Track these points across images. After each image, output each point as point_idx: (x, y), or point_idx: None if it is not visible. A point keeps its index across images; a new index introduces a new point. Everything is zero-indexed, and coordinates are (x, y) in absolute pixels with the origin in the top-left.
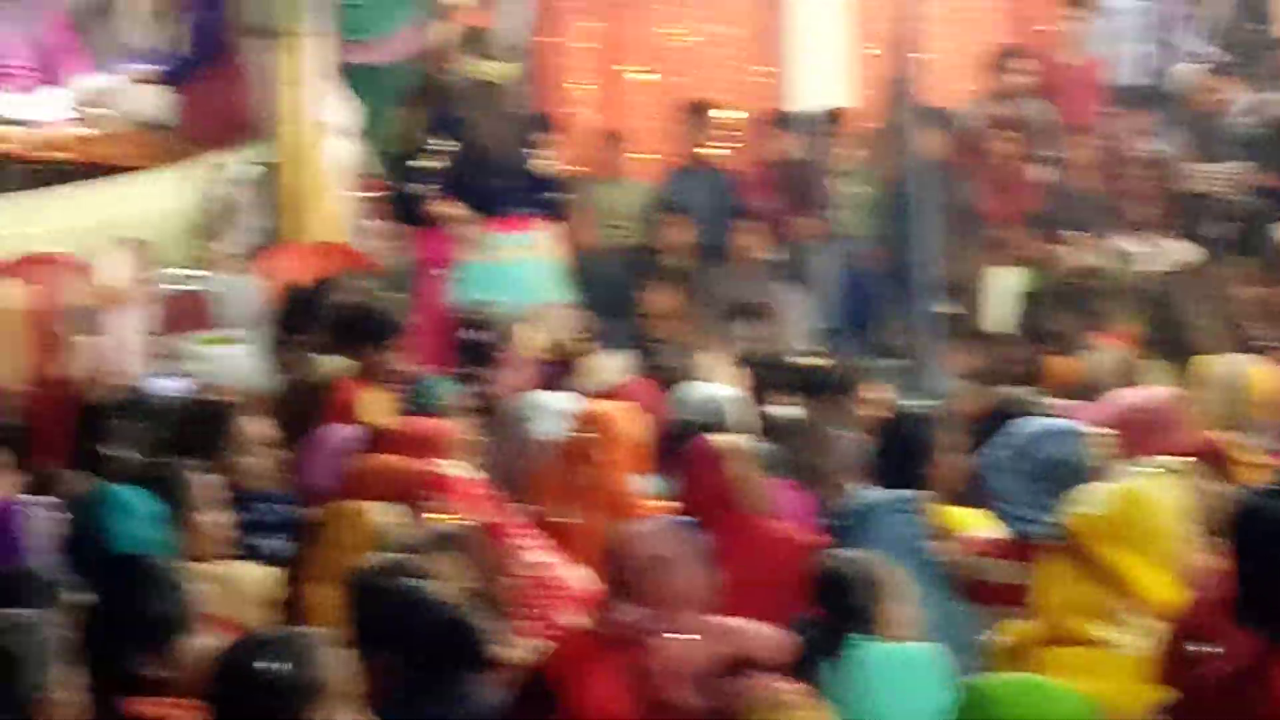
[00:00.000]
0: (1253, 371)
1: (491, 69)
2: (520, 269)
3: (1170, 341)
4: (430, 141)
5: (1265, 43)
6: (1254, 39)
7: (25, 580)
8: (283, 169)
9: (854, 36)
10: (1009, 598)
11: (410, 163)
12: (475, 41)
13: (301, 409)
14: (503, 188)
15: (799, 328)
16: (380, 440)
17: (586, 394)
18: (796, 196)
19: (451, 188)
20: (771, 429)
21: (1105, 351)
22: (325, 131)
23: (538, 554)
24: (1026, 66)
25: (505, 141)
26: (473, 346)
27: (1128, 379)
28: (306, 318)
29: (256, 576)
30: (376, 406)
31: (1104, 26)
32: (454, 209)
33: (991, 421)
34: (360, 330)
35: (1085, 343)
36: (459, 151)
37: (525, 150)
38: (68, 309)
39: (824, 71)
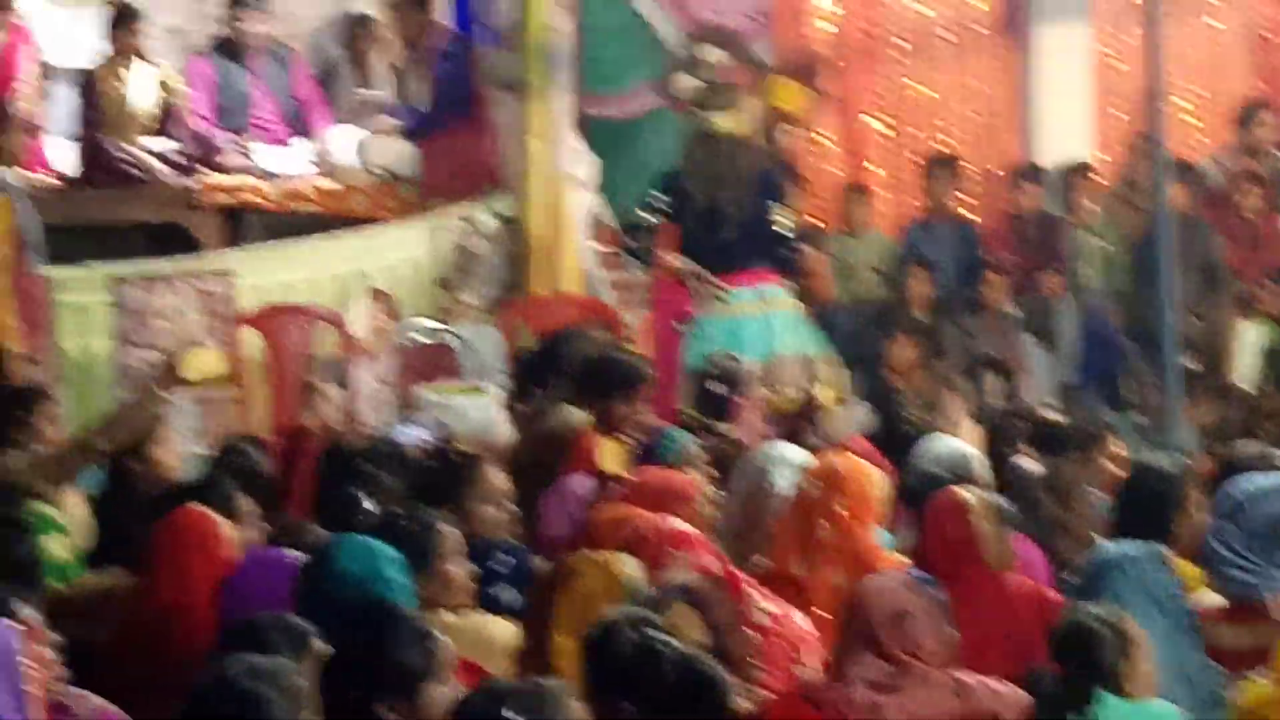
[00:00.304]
0: None
1: (731, 121)
2: (757, 323)
3: None
4: (661, 196)
5: None
6: None
7: (275, 628)
8: (526, 221)
9: (1099, 89)
10: (1245, 661)
11: (639, 217)
12: (717, 95)
13: (543, 459)
14: (741, 241)
15: (1041, 381)
16: (620, 491)
17: (824, 447)
18: (1040, 250)
19: (690, 242)
20: (1013, 483)
21: None
22: (568, 184)
23: (773, 607)
24: (1273, 119)
25: (744, 195)
26: (711, 399)
27: None
28: (549, 369)
29: (499, 626)
30: (617, 457)
31: None
32: (686, 263)
33: (1226, 477)
34: (603, 381)
35: None
36: (698, 205)
37: (765, 203)
38: (313, 359)
39: (1068, 124)
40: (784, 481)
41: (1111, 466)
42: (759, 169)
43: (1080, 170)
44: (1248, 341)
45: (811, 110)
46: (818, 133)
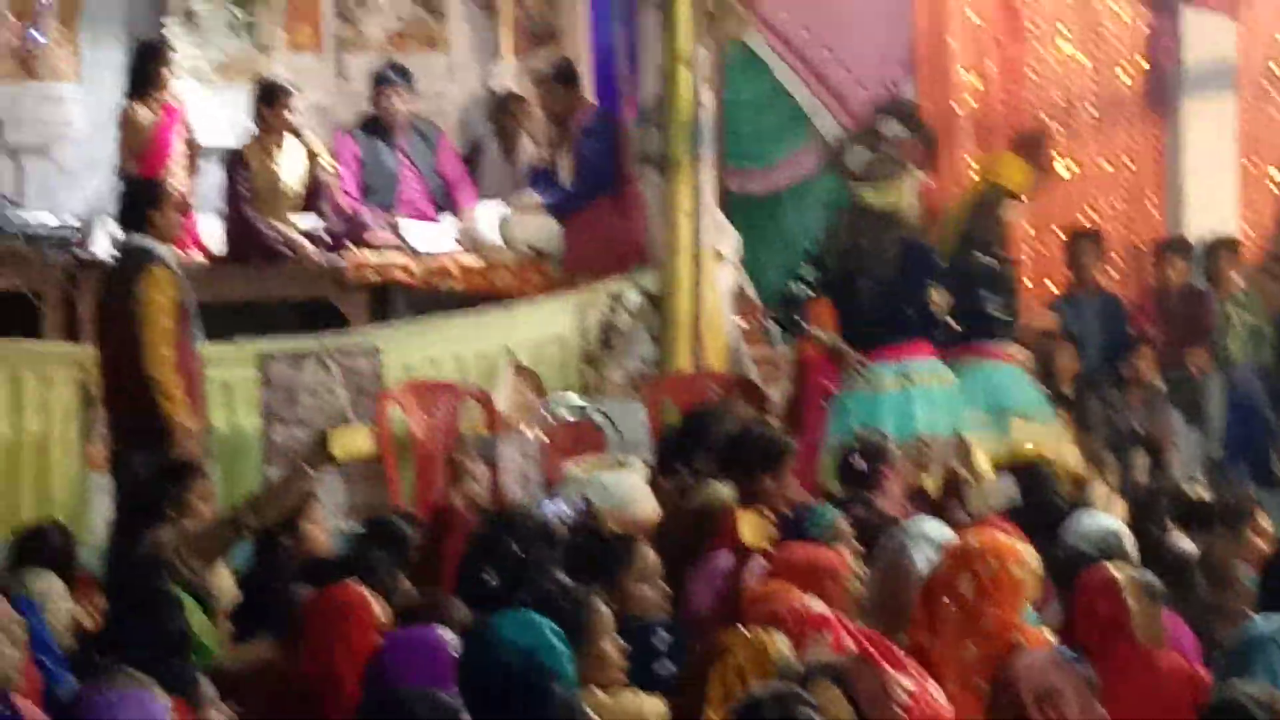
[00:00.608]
0: None
1: (885, 195)
2: (897, 399)
3: None
4: (809, 269)
5: None
6: None
7: (424, 703)
8: (671, 297)
9: (1245, 162)
10: None
11: (788, 289)
12: (879, 168)
13: (689, 535)
14: (885, 316)
15: (1189, 457)
16: (768, 567)
17: (968, 524)
18: (1186, 325)
19: (838, 315)
20: (1161, 560)
21: None
22: (712, 260)
23: (910, 684)
24: None
25: (889, 269)
26: (854, 473)
27: None
28: (694, 445)
29: (650, 704)
30: (758, 531)
31: None
32: (830, 337)
33: None
34: (747, 456)
35: None
36: (844, 279)
37: (913, 278)
38: (459, 435)
39: (1214, 198)
40: (922, 558)
41: (1260, 543)
42: (907, 243)
43: (1227, 244)
44: None
45: (1035, 186)
46: None
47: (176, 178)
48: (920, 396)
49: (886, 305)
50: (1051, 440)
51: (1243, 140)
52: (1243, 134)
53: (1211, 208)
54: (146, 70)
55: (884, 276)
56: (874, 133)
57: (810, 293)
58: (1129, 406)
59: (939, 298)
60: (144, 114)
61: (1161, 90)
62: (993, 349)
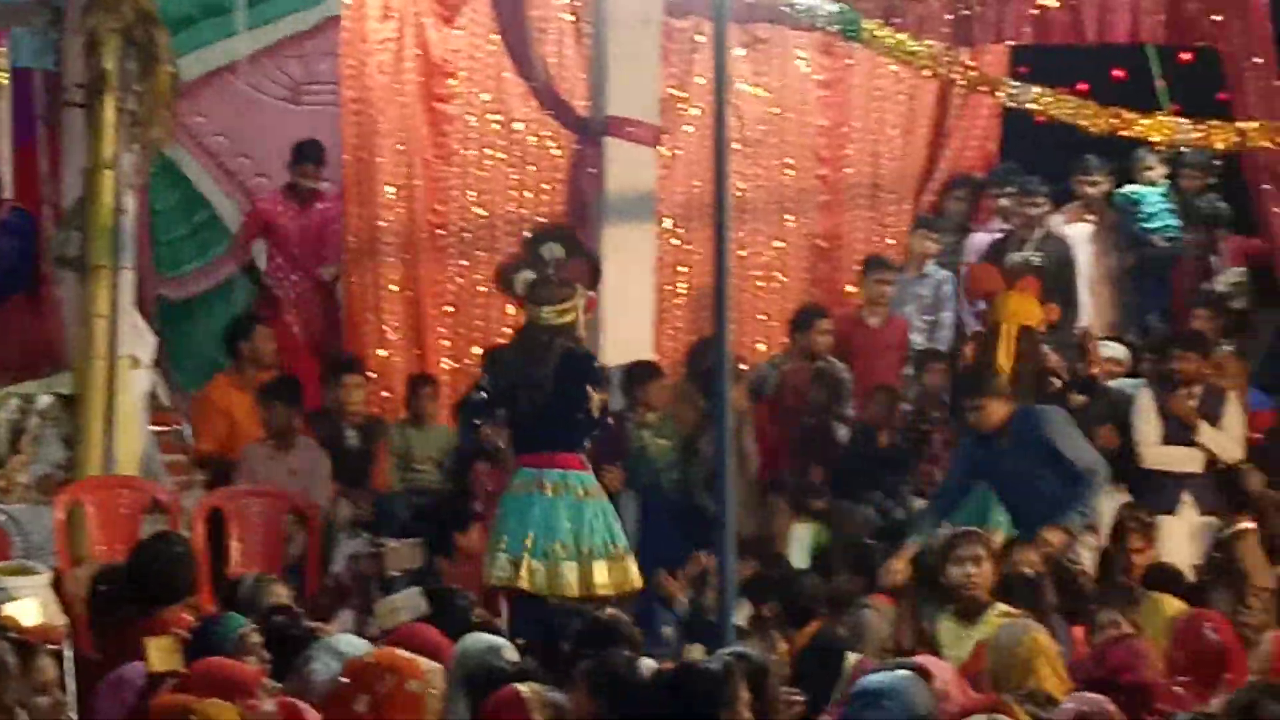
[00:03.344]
0: None
1: (559, 315)
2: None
3: None
4: (486, 379)
5: None
6: None
7: None
8: (85, 400)
9: (662, 290)
10: None
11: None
12: (550, 290)
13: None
14: (545, 423)
15: None
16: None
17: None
18: (601, 446)
19: (510, 423)
20: None
21: None
22: (128, 364)
23: None
24: (830, 326)
25: (551, 378)
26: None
27: None
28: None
29: None
30: (171, 656)
31: None
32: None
33: None
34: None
35: None
36: (515, 388)
37: (572, 386)
38: None
39: (632, 324)
40: (324, 669)
41: None
42: (569, 352)
43: (643, 369)
44: (799, 541)
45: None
46: (386, 324)
47: None
48: (566, 505)
49: (547, 413)
50: None
51: (660, 268)
52: (661, 262)
53: (629, 333)
54: None
55: (546, 385)
56: (536, 258)
57: (486, 400)
58: None
59: (598, 401)
60: None
61: (582, 215)
62: None
